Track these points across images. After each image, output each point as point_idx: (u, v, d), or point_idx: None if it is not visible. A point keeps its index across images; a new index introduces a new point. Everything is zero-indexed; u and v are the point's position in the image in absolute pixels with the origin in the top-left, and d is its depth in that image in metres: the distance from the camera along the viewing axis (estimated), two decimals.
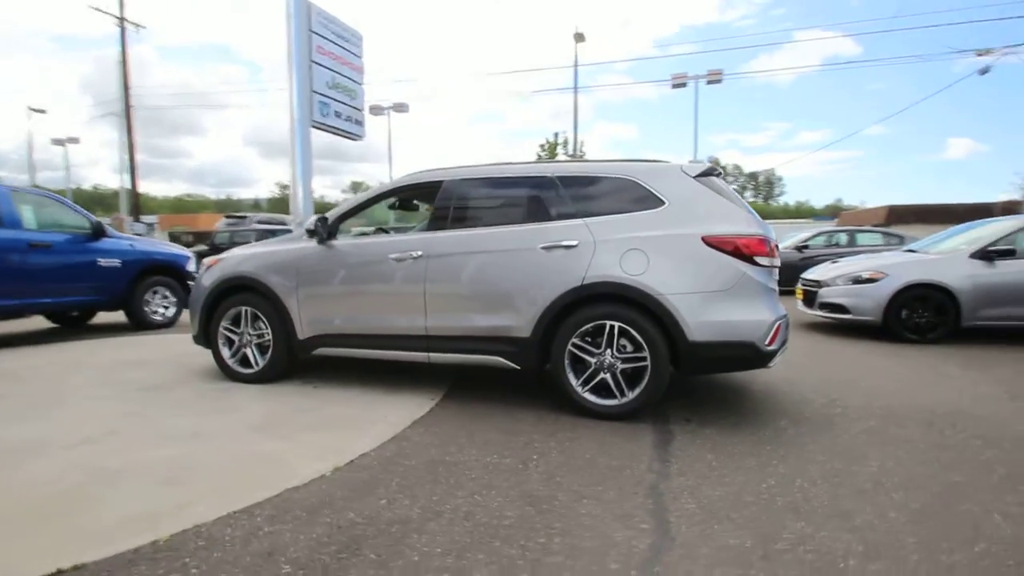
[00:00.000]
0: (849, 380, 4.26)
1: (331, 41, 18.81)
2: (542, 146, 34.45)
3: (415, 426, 3.10)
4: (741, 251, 3.07)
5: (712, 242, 3.08)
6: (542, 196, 3.51)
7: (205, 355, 4.67)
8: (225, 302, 4.11)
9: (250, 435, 2.95)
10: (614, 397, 3.21)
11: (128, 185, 23.84)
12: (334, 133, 20.57)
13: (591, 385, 3.25)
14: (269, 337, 3.97)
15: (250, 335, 4.05)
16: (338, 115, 19.66)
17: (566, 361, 3.27)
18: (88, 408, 3.40)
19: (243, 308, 4.04)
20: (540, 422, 3.18)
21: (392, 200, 4.28)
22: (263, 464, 2.56)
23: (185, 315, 7.56)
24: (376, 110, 21.64)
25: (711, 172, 3.34)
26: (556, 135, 34.15)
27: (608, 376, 3.21)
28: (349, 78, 20.02)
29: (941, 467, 2.58)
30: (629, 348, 3.20)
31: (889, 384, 4.15)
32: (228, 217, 18.71)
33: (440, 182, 3.76)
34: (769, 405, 3.56)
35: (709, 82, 17.51)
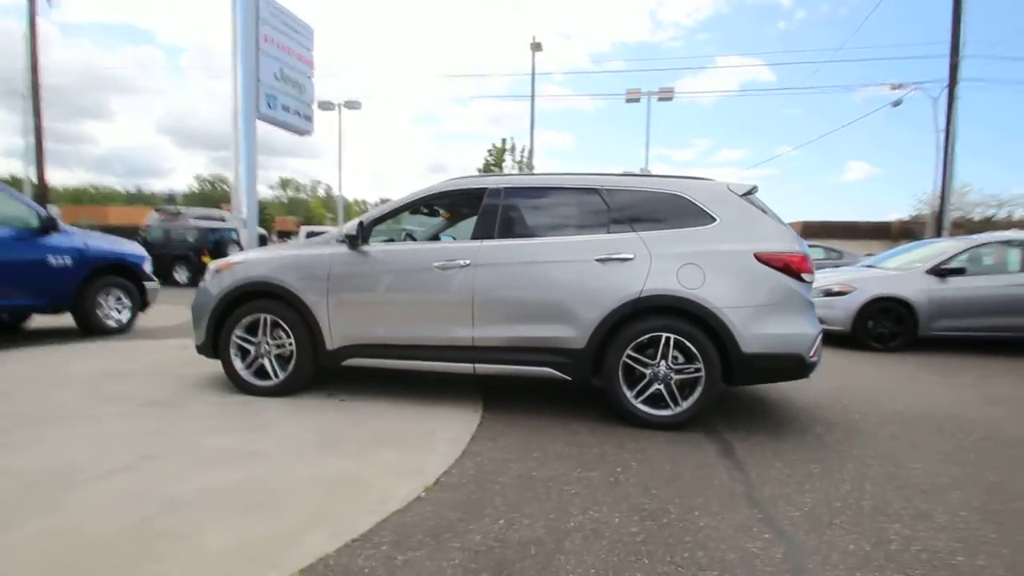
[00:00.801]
0: (846, 386, 4.62)
1: (280, 31, 17.95)
2: (490, 151, 34.64)
3: (477, 441, 3.02)
4: (790, 267, 3.25)
5: (764, 258, 3.25)
6: (592, 208, 3.54)
7: (198, 364, 4.33)
8: (239, 309, 3.80)
9: (310, 453, 2.75)
10: (667, 408, 3.29)
11: (28, 174, 21.35)
12: (281, 127, 19.56)
13: (644, 396, 3.31)
14: (291, 347, 3.72)
15: (268, 345, 3.77)
16: (286, 109, 18.73)
17: (620, 373, 3.31)
18: (101, 429, 3.02)
19: (261, 316, 3.76)
20: (598, 433, 3.20)
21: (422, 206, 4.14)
22: (345, 486, 2.39)
23: (142, 320, 6.91)
24: (326, 106, 20.80)
25: (752, 191, 3.52)
26: (504, 140, 34.48)
27: (662, 387, 3.29)
28: (298, 71, 19.14)
29: (975, 468, 2.86)
30: (681, 359, 3.29)
31: (882, 389, 4.54)
32: (158, 211, 17.17)
33: (483, 189, 3.70)
34: (796, 411, 3.79)
35: (660, 99, 18.43)
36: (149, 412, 3.35)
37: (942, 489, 2.58)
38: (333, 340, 3.66)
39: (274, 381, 3.76)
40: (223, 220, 17.30)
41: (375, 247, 3.73)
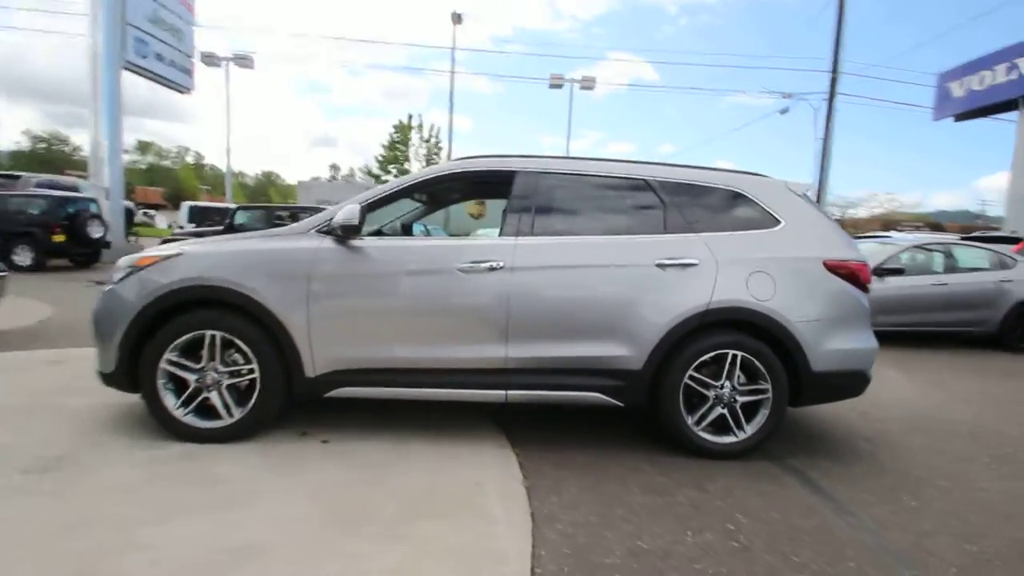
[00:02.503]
0: None
1: None
2: (395, 127, 32.82)
3: (538, 497, 2.38)
4: (857, 277, 2.99)
5: (832, 267, 2.95)
6: (644, 202, 3.02)
7: (89, 390, 3.14)
8: (172, 323, 2.75)
9: (329, 540, 1.93)
10: (731, 434, 2.90)
11: None
12: (154, 80, 16.68)
13: (705, 422, 2.89)
14: (254, 375, 2.76)
15: (218, 372, 2.77)
16: (160, 58, 15.97)
17: (680, 396, 2.85)
18: None
19: (207, 332, 2.74)
20: (663, 468, 2.73)
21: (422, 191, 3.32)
22: None
23: None
24: (211, 60, 17.88)
25: (807, 191, 3.22)
26: (410, 117, 32.83)
27: (726, 411, 2.89)
28: (175, 14, 16.37)
29: None
30: (743, 379, 2.92)
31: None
32: None
33: (512, 173, 3.00)
34: (822, 421, 3.61)
35: (583, 87, 18.35)
36: (45, 483, 2.25)
37: None
38: (316, 364, 2.77)
39: (226, 421, 2.78)
40: (76, 189, 14.29)
41: (371, 242, 2.88)
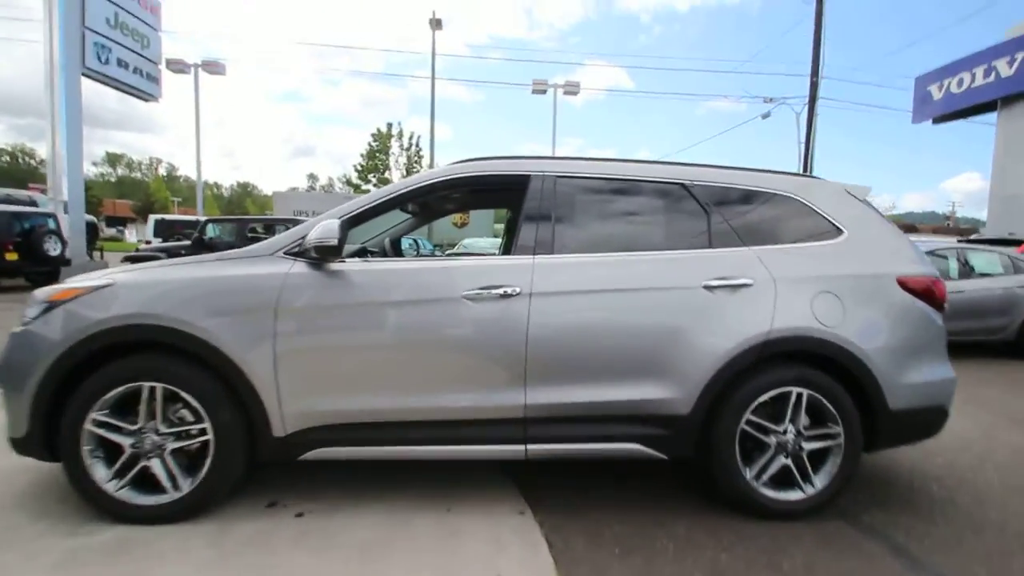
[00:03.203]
0: None
1: None
2: (374, 136, 32.21)
3: None
4: (933, 294, 2.53)
5: (907, 284, 2.49)
6: (683, 210, 2.53)
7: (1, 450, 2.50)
8: (99, 373, 2.15)
9: None
10: (795, 489, 2.40)
11: None
12: (117, 88, 15.77)
13: (767, 475, 2.39)
14: (206, 437, 2.18)
15: (160, 434, 2.19)
16: (123, 65, 15.15)
17: (736, 445, 2.35)
18: None
19: (145, 384, 2.16)
20: (718, 538, 2.22)
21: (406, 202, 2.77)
22: None
23: None
24: (178, 66, 17.05)
25: (867, 195, 2.77)
26: (389, 125, 32.28)
27: (790, 461, 2.39)
28: (139, 18, 15.56)
29: None
30: (807, 422, 2.43)
31: None
32: None
33: (525, 177, 2.49)
34: (883, 461, 3.14)
35: (566, 92, 17.99)
36: None
37: None
38: (286, 420, 2.20)
39: (172, 496, 2.19)
40: (34, 203, 13.40)
41: (354, 266, 2.33)
